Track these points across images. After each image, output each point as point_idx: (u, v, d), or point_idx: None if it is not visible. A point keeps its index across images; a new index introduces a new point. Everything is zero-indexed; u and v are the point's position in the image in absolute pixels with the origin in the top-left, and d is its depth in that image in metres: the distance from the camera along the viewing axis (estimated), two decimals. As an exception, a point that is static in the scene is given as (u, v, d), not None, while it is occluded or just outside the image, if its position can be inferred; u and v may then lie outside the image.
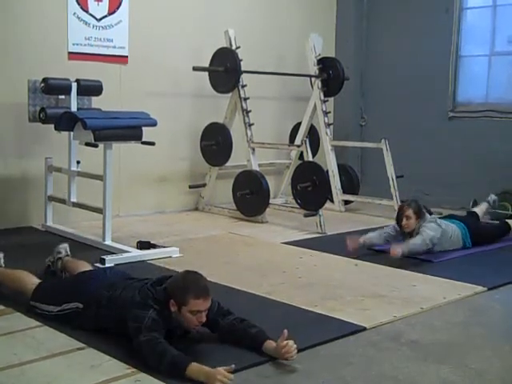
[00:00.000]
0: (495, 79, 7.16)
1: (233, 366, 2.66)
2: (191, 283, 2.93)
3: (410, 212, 4.97)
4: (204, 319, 2.94)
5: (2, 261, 3.94)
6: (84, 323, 3.17)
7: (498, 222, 5.82)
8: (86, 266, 3.80)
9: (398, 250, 4.65)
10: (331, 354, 3.03)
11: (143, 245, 4.88)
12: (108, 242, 4.87)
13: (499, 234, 5.56)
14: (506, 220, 5.74)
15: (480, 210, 5.89)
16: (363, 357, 3.00)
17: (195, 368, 2.67)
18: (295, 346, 2.85)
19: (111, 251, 4.72)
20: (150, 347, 2.76)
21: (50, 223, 5.51)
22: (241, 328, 3.03)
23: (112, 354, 2.87)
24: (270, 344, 2.92)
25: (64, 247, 4.08)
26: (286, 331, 2.87)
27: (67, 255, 4.04)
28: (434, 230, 4.94)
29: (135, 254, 4.69)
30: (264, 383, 2.72)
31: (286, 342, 2.85)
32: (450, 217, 5.48)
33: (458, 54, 7.38)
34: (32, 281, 3.53)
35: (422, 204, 5.14)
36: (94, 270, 3.88)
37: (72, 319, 3.21)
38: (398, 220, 5.04)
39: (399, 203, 6.48)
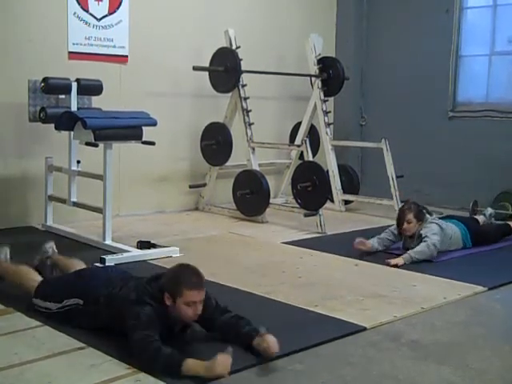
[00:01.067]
0: (495, 79, 7.16)
1: (230, 349, 2.69)
2: (184, 275, 2.95)
3: (410, 216, 4.95)
4: (200, 310, 2.95)
5: (8, 256, 3.94)
6: (82, 321, 3.17)
7: (498, 222, 5.80)
8: (79, 264, 3.79)
9: (399, 262, 4.65)
10: (331, 353, 3.03)
11: (143, 244, 4.88)
12: (108, 241, 4.87)
13: (500, 235, 5.55)
14: (507, 222, 5.72)
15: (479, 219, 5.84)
16: (363, 357, 3.00)
17: (191, 363, 2.68)
18: (274, 340, 2.87)
19: (111, 251, 4.72)
20: (142, 346, 2.76)
21: (50, 223, 5.51)
22: (234, 328, 3.03)
23: (112, 354, 2.87)
24: (256, 342, 2.93)
25: (50, 246, 4.04)
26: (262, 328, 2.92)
27: (54, 252, 4.02)
28: (437, 232, 4.91)
29: (135, 254, 4.69)
30: (264, 383, 2.72)
31: (264, 338, 2.88)
32: (449, 217, 5.48)
33: (458, 54, 7.37)
34: (34, 278, 3.52)
35: (422, 205, 5.13)
36: (96, 267, 3.88)
37: (72, 316, 3.20)
38: (399, 224, 5.02)
39: (399, 203, 6.49)
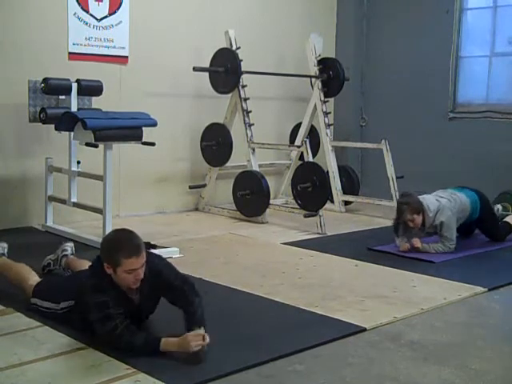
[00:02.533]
0: (495, 80, 7.16)
1: (202, 329, 2.85)
2: (121, 242, 2.91)
3: (409, 216, 5.01)
4: (141, 276, 2.92)
5: (6, 250, 3.95)
6: (77, 323, 3.14)
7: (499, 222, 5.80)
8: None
9: (418, 244, 4.99)
10: (331, 354, 3.03)
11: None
12: (108, 242, 4.86)
13: (504, 234, 5.55)
14: (505, 220, 5.71)
15: None
16: (363, 357, 3.00)
17: (166, 342, 2.84)
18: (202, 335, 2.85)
19: (111, 251, 4.71)
20: (114, 339, 2.85)
21: (50, 223, 5.51)
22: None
23: (112, 355, 2.87)
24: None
25: (70, 246, 4.09)
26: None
27: (72, 254, 4.05)
28: (452, 223, 5.04)
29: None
30: (264, 383, 2.72)
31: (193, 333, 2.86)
32: (461, 187, 5.45)
33: (458, 55, 7.38)
34: (33, 278, 3.53)
35: (416, 195, 5.14)
36: None
37: (67, 317, 3.20)
38: (405, 226, 5.08)
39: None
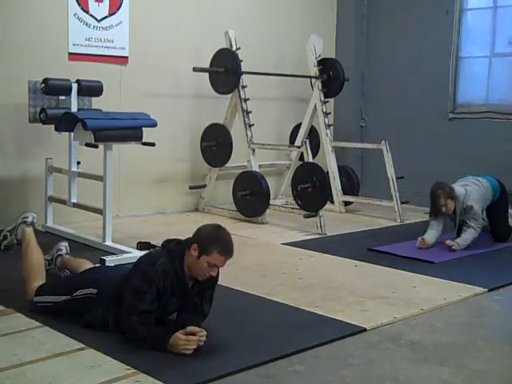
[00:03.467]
0: (495, 80, 7.16)
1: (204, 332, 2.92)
2: (222, 237, 3.07)
3: (443, 201, 5.17)
4: (215, 274, 3.08)
5: (35, 220, 4.16)
6: (95, 313, 3.15)
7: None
8: (87, 264, 3.81)
9: (455, 245, 5.15)
10: (331, 354, 3.03)
11: (143, 245, 4.88)
12: (108, 242, 4.87)
13: (506, 234, 5.59)
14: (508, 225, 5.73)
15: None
16: (363, 358, 3.00)
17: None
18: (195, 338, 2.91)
19: (111, 252, 4.72)
20: (132, 325, 2.94)
21: (50, 224, 5.51)
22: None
23: (112, 355, 2.87)
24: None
25: (65, 245, 4.09)
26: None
27: (67, 253, 4.05)
28: (479, 213, 5.23)
29: (135, 255, 4.66)
30: (264, 383, 2.72)
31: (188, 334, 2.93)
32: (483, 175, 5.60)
33: (458, 55, 7.38)
34: (41, 281, 3.51)
35: (448, 184, 5.29)
36: (108, 266, 3.95)
37: (85, 307, 3.19)
38: (439, 210, 5.22)
39: (399, 204, 6.49)
